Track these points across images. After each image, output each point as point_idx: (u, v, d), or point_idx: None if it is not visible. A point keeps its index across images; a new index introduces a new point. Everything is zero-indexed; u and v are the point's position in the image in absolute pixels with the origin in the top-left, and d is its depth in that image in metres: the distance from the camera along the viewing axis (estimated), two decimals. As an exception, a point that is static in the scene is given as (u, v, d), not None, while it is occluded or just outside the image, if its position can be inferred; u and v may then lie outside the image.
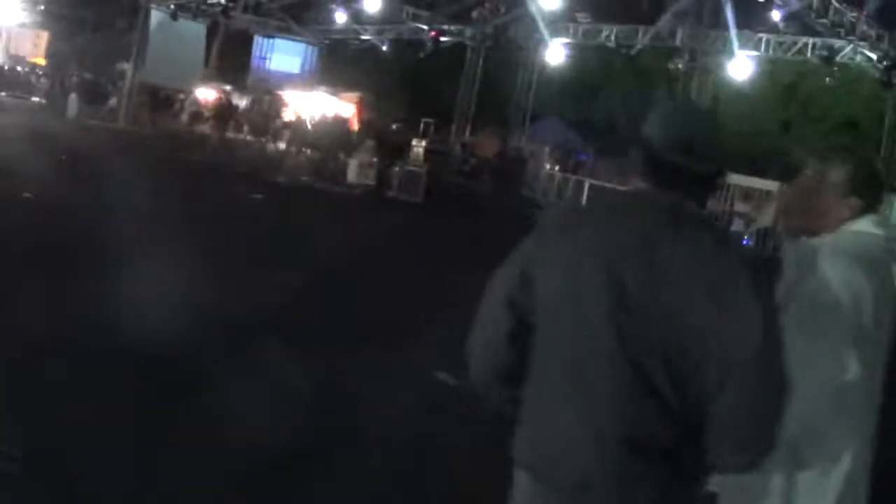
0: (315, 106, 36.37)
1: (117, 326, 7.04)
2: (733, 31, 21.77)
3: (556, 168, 36.22)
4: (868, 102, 28.25)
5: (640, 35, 28.04)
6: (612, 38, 28.56)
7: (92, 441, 5.09)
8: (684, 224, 2.30)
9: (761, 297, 2.24)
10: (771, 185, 30.84)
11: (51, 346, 6.58)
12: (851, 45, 21.40)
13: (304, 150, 29.03)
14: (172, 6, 37.15)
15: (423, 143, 26.47)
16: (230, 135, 38.47)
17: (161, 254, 10.10)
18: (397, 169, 26.00)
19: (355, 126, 34.95)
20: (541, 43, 31.01)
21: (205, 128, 38.57)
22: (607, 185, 17.55)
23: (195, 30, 39.20)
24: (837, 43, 22.31)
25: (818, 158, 2.99)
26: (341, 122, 32.29)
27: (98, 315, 7.54)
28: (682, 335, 2.21)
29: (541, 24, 30.24)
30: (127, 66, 46.59)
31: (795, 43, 24.05)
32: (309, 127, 31.12)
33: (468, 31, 31.38)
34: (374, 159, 26.50)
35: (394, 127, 32.26)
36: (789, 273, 2.89)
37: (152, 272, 8.89)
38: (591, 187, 16.94)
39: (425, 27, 31.49)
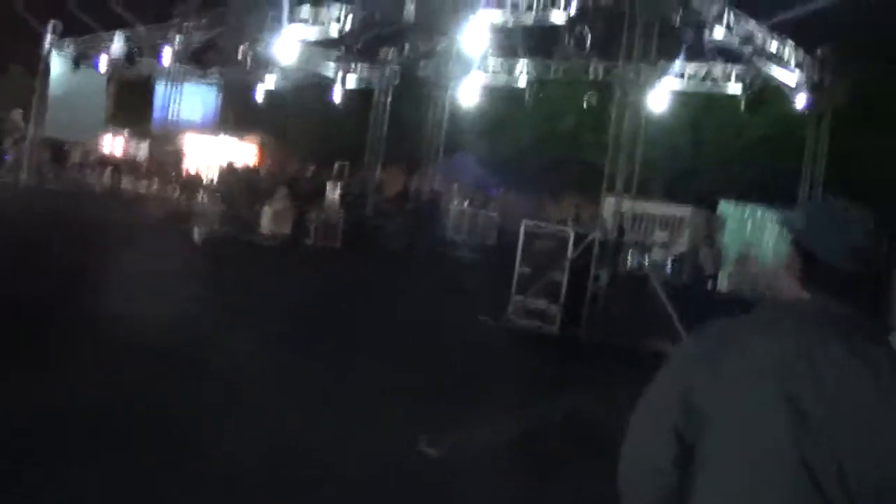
0: (219, 151, 35.99)
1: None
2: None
3: (466, 204, 36.35)
4: (781, 118, 28.91)
5: (552, 70, 28.36)
6: (524, 73, 28.87)
7: None
8: (860, 337, 2.18)
9: None
10: (684, 210, 31.49)
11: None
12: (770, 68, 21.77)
13: (214, 199, 28.40)
14: (73, 52, 36.21)
15: (338, 187, 26.22)
16: (133, 185, 37.85)
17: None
18: (313, 216, 25.73)
19: (262, 172, 34.75)
20: (450, 81, 31.16)
21: (108, 180, 37.90)
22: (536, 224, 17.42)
23: (96, 78, 38.30)
24: (753, 68, 22.75)
25: None
26: (250, 170, 31.94)
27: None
28: (867, 456, 2.09)
29: (450, 64, 30.42)
30: (20, 116, 45.44)
31: (710, 72, 24.50)
32: (215, 176, 30.68)
33: (375, 72, 31.27)
34: (289, 207, 26.17)
35: (307, 174, 32.14)
36: None
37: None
38: (527, 229, 16.86)
39: (332, 65, 31.31)
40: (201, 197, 30.64)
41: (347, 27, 24.04)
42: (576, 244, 15.93)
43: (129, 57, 34.04)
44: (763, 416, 2.18)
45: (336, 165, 32.06)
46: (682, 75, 25.08)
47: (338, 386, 9.98)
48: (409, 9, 21.80)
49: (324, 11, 24.38)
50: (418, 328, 14.42)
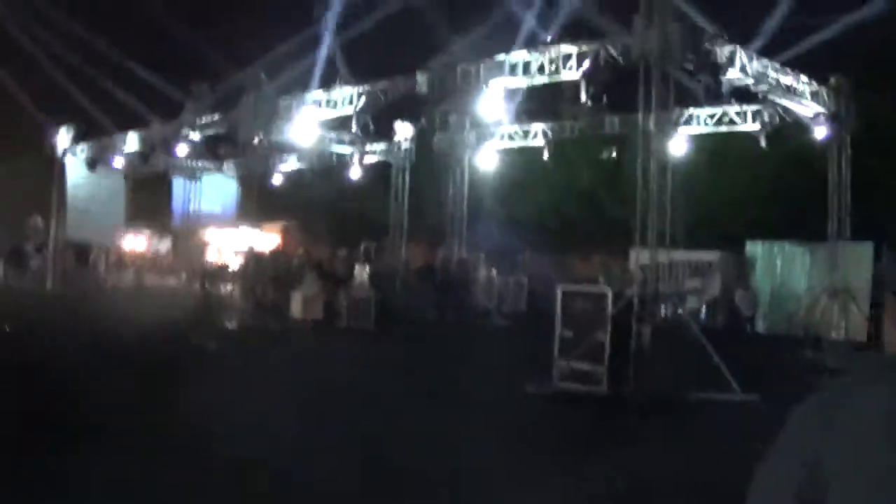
0: (241, 241, 36.02)
1: None
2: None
3: (493, 271, 36.27)
4: (799, 152, 28.76)
5: (567, 128, 28.40)
6: (539, 135, 28.96)
7: None
8: None
9: None
10: (712, 255, 31.30)
11: None
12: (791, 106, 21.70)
13: (243, 290, 28.28)
14: (88, 155, 36.53)
15: (367, 268, 26.14)
16: (159, 282, 37.97)
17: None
18: (343, 298, 25.63)
19: (287, 258, 34.78)
20: (467, 150, 31.26)
21: (133, 279, 38.03)
22: (573, 286, 17.26)
23: (113, 178, 38.61)
24: (769, 105, 22.68)
25: None
26: (275, 257, 31.91)
27: None
28: None
29: (465, 134, 30.57)
30: (39, 221, 45.75)
31: (726, 113, 24.42)
32: (240, 266, 30.63)
33: (391, 148, 31.39)
34: (319, 291, 26.08)
35: (334, 256, 32.14)
36: None
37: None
38: (564, 291, 16.72)
39: (348, 150, 31.48)
40: (229, 289, 30.59)
41: (360, 106, 24.17)
42: (615, 302, 15.73)
43: (144, 156, 34.35)
44: (888, 477, 2.03)
45: (362, 246, 32.03)
46: (698, 120, 25.03)
47: (417, 463, 9.89)
48: (421, 82, 21.89)
49: (335, 92, 24.54)
50: (469, 403, 14.33)
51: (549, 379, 15.66)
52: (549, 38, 19.49)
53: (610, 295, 15.75)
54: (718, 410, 15.01)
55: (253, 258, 28.73)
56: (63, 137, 36.76)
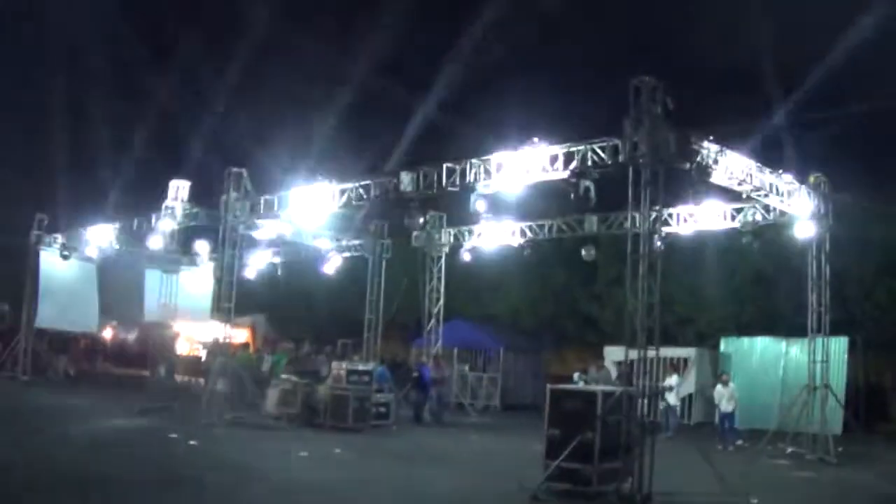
0: (212, 335, 35.73)
1: None
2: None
3: (467, 368, 36.25)
4: (774, 253, 29.12)
5: (546, 228, 28.59)
6: (517, 234, 29.14)
7: None
8: None
9: None
10: (688, 351, 31.50)
11: None
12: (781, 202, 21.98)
13: (216, 384, 27.82)
14: (60, 246, 36.30)
15: (344, 365, 25.93)
16: (129, 372, 37.56)
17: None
18: (321, 394, 25.40)
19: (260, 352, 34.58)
20: (442, 248, 31.39)
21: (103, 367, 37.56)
22: (562, 386, 17.25)
23: (86, 268, 38.36)
24: (751, 204, 22.97)
25: None
26: (248, 352, 31.69)
27: None
28: None
29: (442, 233, 30.73)
30: (6, 308, 45.24)
31: (707, 212, 24.70)
32: (211, 359, 30.18)
33: (368, 244, 31.43)
34: (295, 386, 25.84)
35: (309, 352, 32.08)
36: None
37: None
38: (553, 390, 16.70)
39: (326, 245, 31.49)
40: (203, 382, 30.12)
41: (341, 203, 24.23)
42: (604, 402, 15.70)
43: (119, 247, 34.22)
44: None
45: (339, 343, 31.90)
46: (677, 218, 25.31)
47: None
48: (405, 180, 21.99)
49: (316, 188, 24.60)
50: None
51: (538, 479, 15.54)
52: (535, 140, 19.54)
53: (601, 395, 15.72)
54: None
55: (222, 353, 28.38)
56: (37, 226, 36.58)
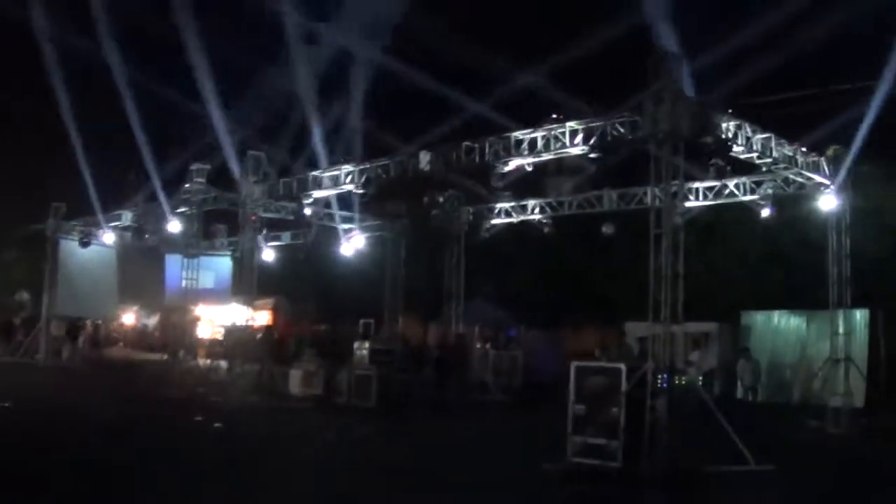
0: (233, 318, 35.83)
1: None
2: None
3: (488, 346, 36.22)
4: (794, 227, 28.99)
5: (566, 205, 28.56)
6: (536, 211, 29.14)
7: None
8: None
9: None
10: (709, 326, 31.30)
11: None
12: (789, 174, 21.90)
13: (238, 366, 27.90)
14: (79, 234, 36.49)
15: (366, 345, 26.03)
16: (148, 356, 37.69)
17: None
18: (343, 374, 25.48)
19: (279, 333, 34.62)
20: (463, 227, 31.33)
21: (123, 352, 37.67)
22: (587, 363, 17.22)
23: (105, 254, 38.56)
24: (769, 177, 22.93)
25: None
26: (271, 333, 31.73)
27: None
28: None
29: (462, 211, 30.69)
30: (26, 296, 45.54)
31: (726, 185, 24.61)
32: (233, 342, 30.26)
33: (387, 224, 31.48)
34: (318, 367, 25.93)
35: (332, 332, 32.07)
36: None
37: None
38: (578, 367, 16.68)
39: (345, 226, 31.52)
40: (224, 365, 30.25)
41: (361, 183, 24.26)
42: (628, 377, 15.71)
43: (138, 232, 34.36)
44: None
45: (361, 323, 31.90)
46: (696, 193, 25.23)
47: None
48: (424, 160, 22.02)
49: (337, 170, 24.64)
50: (488, 483, 14.29)
51: (563, 455, 15.58)
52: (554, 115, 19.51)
53: (624, 370, 15.74)
54: (735, 482, 15.03)
55: (246, 335, 28.46)
56: (56, 214, 36.77)
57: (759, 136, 19.39)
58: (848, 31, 27.77)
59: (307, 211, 26.23)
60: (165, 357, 34.93)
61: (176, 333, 37.75)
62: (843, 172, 22.42)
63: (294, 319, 40.82)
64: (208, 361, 33.59)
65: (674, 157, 16.17)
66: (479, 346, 34.78)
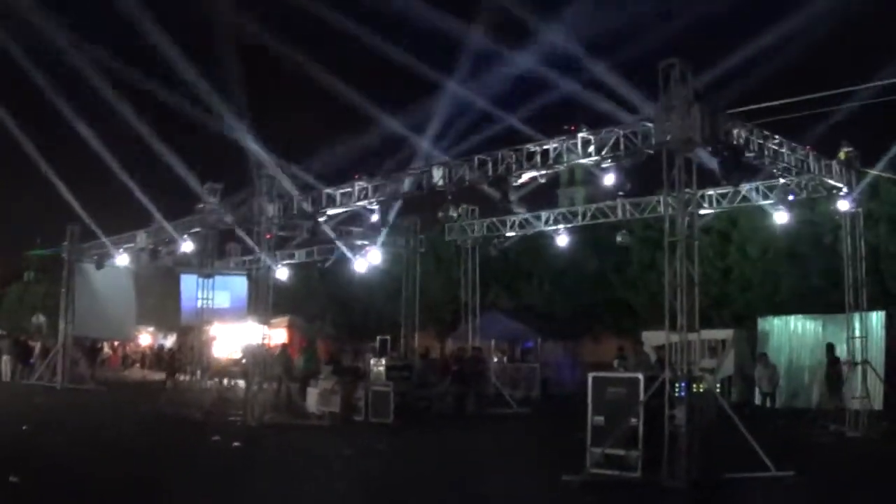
0: (248, 337, 35.95)
1: None
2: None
3: (505, 359, 36.29)
4: (806, 231, 28.96)
5: (579, 216, 28.56)
6: (551, 222, 29.12)
7: None
8: None
9: None
10: (726, 333, 31.23)
11: None
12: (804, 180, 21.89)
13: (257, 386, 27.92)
14: (94, 256, 36.62)
15: (383, 361, 26.07)
16: (164, 377, 37.77)
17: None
18: (361, 392, 25.46)
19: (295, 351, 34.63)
20: (478, 240, 31.34)
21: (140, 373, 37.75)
22: (604, 374, 17.22)
23: (122, 275, 38.72)
24: (781, 182, 22.90)
25: None
26: (286, 352, 31.75)
27: None
28: None
29: (474, 225, 30.68)
30: (41, 319, 45.79)
31: (738, 191, 24.53)
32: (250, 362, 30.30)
33: (402, 240, 31.49)
34: (336, 385, 25.90)
35: (349, 350, 32.10)
36: None
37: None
38: (595, 378, 16.65)
39: (359, 243, 31.50)
40: (241, 385, 30.25)
41: (374, 199, 24.25)
42: (646, 387, 15.68)
43: (154, 253, 34.44)
44: None
45: (377, 340, 31.94)
46: (710, 200, 25.18)
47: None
48: (437, 175, 22.05)
49: (350, 186, 24.64)
50: (509, 495, 14.26)
51: (582, 466, 15.55)
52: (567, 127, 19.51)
53: (642, 380, 15.71)
54: (755, 489, 14.96)
55: (261, 354, 28.53)
56: (71, 237, 36.94)
57: (771, 140, 19.35)
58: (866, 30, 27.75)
59: (324, 228, 26.18)
60: (183, 377, 35.08)
61: (181, 354, 37.98)
62: (854, 175, 22.39)
63: (309, 336, 40.86)
64: (226, 381, 33.70)
65: (685, 165, 16.13)
66: (495, 359, 34.84)
